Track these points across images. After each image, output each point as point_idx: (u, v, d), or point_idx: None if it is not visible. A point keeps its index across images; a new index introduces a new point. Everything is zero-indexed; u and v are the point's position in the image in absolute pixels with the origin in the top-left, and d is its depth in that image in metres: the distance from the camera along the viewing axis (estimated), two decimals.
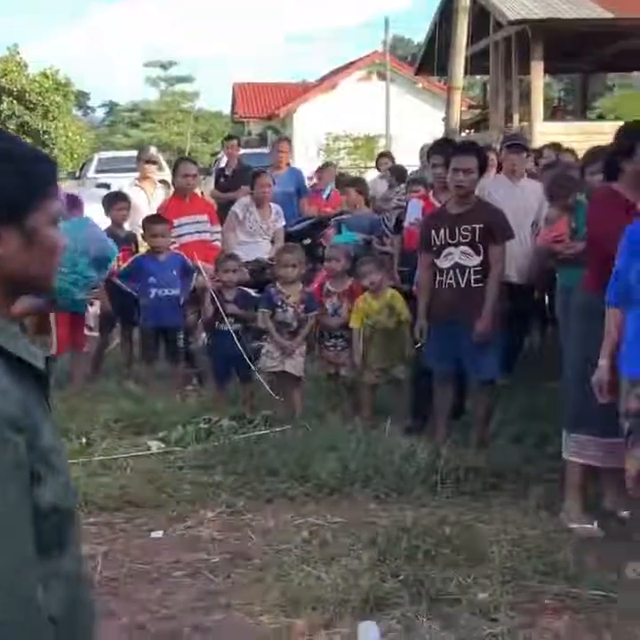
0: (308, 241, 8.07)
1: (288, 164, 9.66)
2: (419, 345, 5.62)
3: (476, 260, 5.28)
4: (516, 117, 18.77)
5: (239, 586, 3.80)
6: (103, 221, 7.49)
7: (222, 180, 10.90)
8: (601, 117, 25.06)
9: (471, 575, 3.68)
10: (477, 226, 5.26)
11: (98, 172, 21.54)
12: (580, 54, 20.10)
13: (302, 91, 40.72)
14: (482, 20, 16.19)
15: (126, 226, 7.69)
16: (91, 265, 3.72)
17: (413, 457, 5.00)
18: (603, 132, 14.77)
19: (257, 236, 7.77)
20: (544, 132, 15.50)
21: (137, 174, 9.23)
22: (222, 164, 11.96)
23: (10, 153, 1.46)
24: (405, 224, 6.50)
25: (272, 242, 7.78)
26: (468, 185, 5.30)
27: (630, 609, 3.48)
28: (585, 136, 12.59)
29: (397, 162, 11.23)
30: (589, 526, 4.25)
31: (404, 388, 6.10)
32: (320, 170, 10.29)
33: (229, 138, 11.80)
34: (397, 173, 10.22)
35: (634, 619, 3.41)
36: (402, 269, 6.77)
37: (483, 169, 5.47)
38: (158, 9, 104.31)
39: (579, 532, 4.21)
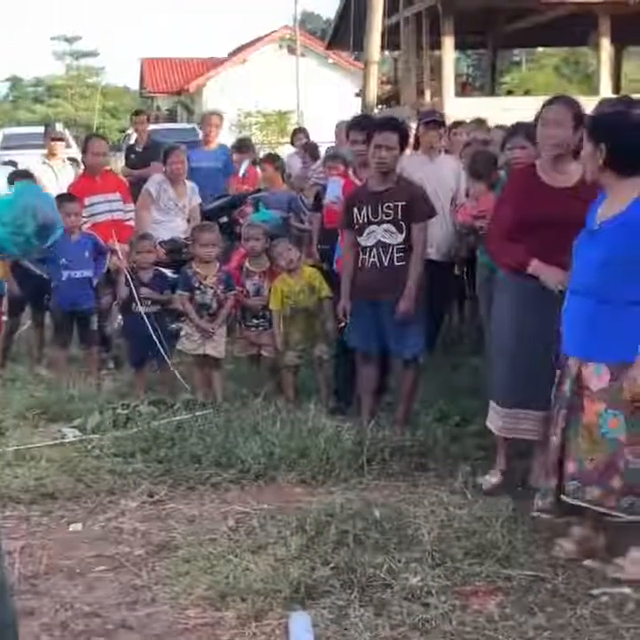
0: (224, 219, 7.90)
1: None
2: (342, 324, 5.54)
3: (400, 237, 5.22)
4: (427, 93, 18.88)
5: (164, 579, 3.67)
6: None
7: (133, 156, 10.62)
8: (510, 93, 25.44)
9: (402, 559, 3.62)
10: (400, 203, 5.20)
11: (3, 148, 20.88)
12: (489, 30, 20.31)
13: (211, 65, 40.14)
14: None
15: None
16: (36, 231, 3.46)
17: (339, 438, 4.94)
18: (513, 108, 14.98)
19: (172, 214, 7.56)
20: (455, 108, 15.60)
21: (43, 152, 8.92)
22: (132, 141, 11.65)
23: None
24: (325, 202, 6.41)
25: (188, 220, 7.59)
26: (391, 162, 5.23)
27: (562, 588, 3.49)
28: (495, 112, 12.67)
29: (311, 137, 11.11)
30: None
31: (328, 367, 6.03)
32: (237, 146, 10.06)
33: (138, 113, 11.46)
34: (310, 150, 10.10)
35: (565, 599, 3.42)
36: (322, 247, 6.69)
37: (403, 146, 5.41)
38: None
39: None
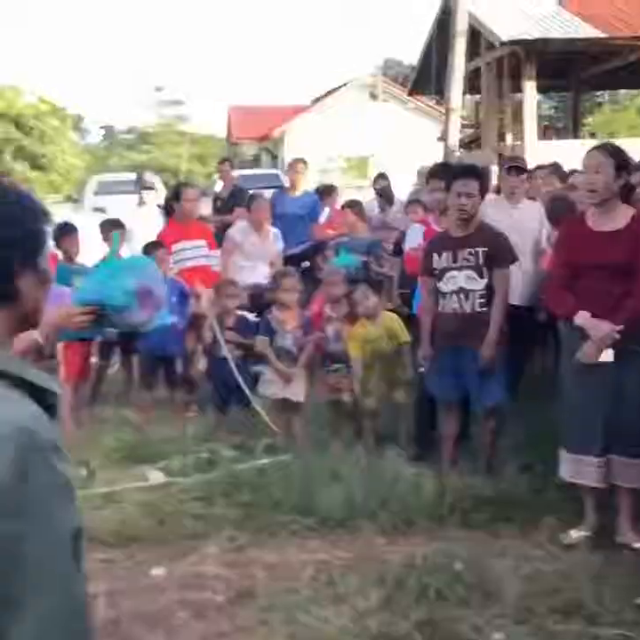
0: (306, 264, 7.99)
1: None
2: (422, 369, 5.52)
3: (481, 283, 5.19)
4: (509, 137, 18.80)
5: (245, 627, 3.67)
6: (101, 247, 7.36)
7: (218, 203, 10.83)
8: (592, 135, 25.14)
9: (485, 615, 3.55)
10: (480, 249, 5.18)
11: (95, 194, 21.50)
12: (571, 73, 20.18)
13: (296, 112, 40.78)
14: (473, 40, 16.20)
15: (123, 252, 7.59)
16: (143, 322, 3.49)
17: (419, 487, 4.89)
18: None
19: (255, 259, 7.68)
20: (537, 152, 15.49)
21: (133, 198, 9.17)
22: (218, 188, 11.89)
23: (30, 201, 1.57)
24: (406, 248, 6.42)
25: (271, 265, 7.69)
26: (471, 209, 5.22)
27: None
28: (577, 154, 12.54)
29: (392, 181, 11.14)
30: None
31: (407, 414, 6.00)
32: (319, 192, 10.16)
33: (222, 161, 11.70)
34: (386, 196, 10.08)
35: None
36: (402, 291, 6.70)
37: (483, 192, 5.41)
38: (154, 35, 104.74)
39: None
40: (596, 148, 4.54)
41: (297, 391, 6.05)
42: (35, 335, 2.61)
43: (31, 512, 1.25)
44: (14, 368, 1.41)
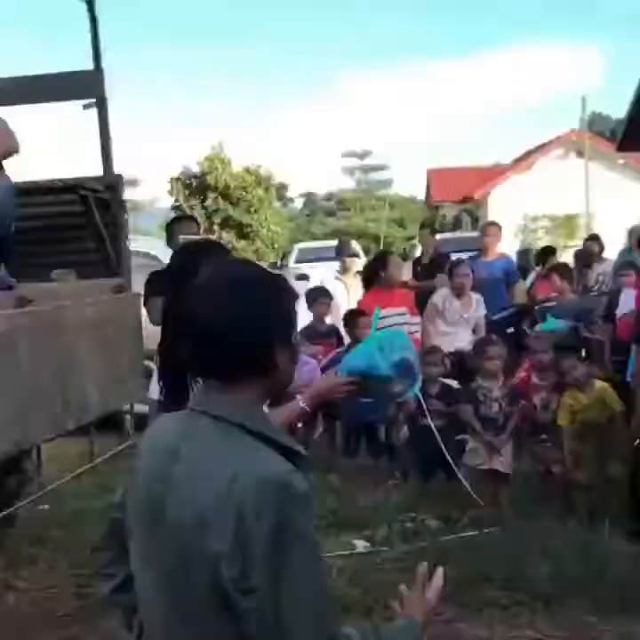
0: (511, 330, 7.88)
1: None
2: (637, 441, 5.27)
3: None
4: None
5: None
6: (306, 314, 7.58)
7: (419, 268, 10.89)
8: None
9: None
10: None
11: (297, 262, 22.25)
12: None
13: (497, 173, 40.63)
14: None
15: (328, 320, 7.78)
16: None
17: (637, 564, 4.64)
18: None
19: (457, 325, 7.66)
20: None
21: (334, 264, 9.40)
22: (418, 253, 11.96)
23: (282, 281, 1.74)
24: (618, 313, 6.21)
25: (473, 331, 7.65)
26: None
27: None
28: None
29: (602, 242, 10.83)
30: None
31: (623, 487, 5.73)
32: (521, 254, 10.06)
33: (422, 227, 11.69)
34: (583, 259, 9.72)
35: None
36: (615, 359, 6.46)
37: None
38: (353, 106, 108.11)
39: None
40: None
41: (504, 461, 5.93)
42: (301, 404, 2.78)
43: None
44: (270, 431, 1.64)
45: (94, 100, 6.58)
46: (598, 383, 5.89)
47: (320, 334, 7.02)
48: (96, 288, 6.15)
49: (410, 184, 77.84)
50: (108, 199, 6.49)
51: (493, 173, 40.66)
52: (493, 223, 9.55)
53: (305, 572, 1.51)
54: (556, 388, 6.01)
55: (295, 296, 1.78)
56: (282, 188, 53.00)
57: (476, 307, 7.77)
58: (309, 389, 2.91)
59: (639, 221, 9.69)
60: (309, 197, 58.72)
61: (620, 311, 6.20)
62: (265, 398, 1.72)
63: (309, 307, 7.69)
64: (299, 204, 61.10)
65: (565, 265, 8.87)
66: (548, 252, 10.16)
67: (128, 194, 7.36)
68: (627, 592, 4.46)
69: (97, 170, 6.65)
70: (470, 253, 10.59)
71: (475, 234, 26.62)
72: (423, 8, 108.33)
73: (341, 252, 9.39)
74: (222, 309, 1.63)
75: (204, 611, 1.54)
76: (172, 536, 1.58)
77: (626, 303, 6.14)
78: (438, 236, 21.81)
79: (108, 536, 1.95)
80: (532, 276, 8.94)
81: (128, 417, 6.96)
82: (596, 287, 8.74)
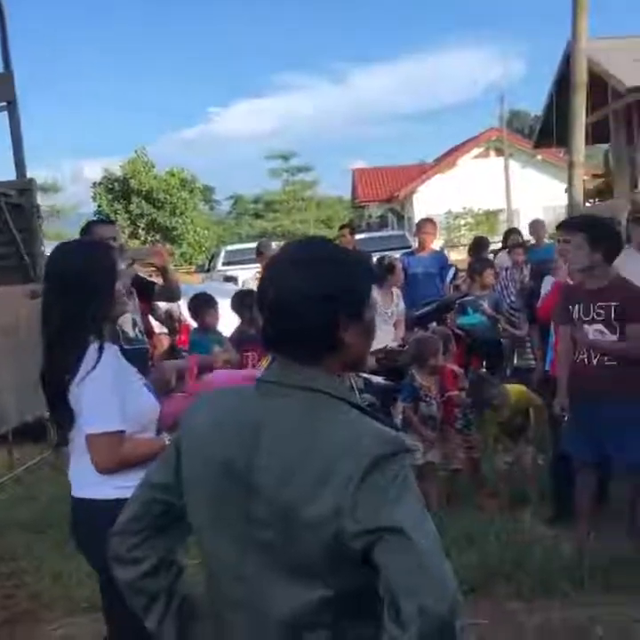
0: (433, 325, 7.96)
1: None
2: (558, 423, 5.39)
3: (612, 338, 5.03)
4: None
5: None
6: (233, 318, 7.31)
7: None
8: None
9: None
10: (613, 304, 5.01)
11: (225, 264, 22.09)
12: None
13: (420, 171, 41.12)
14: (599, 89, 16.00)
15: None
16: None
17: (557, 549, 4.74)
18: None
19: (382, 322, 7.70)
20: None
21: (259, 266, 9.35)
22: None
23: (355, 259, 1.76)
24: (542, 294, 6.31)
25: (396, 325, 7.71)
26: (578, 260, 5.09)
27: None
28: None
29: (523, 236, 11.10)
30: None
31: (543, 474, 5.84)
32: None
33: (342, 227, 11.63)
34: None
35: None
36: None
37: (597, 244, 5.14)
38: (275, 109, 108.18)
39: None
40: None
41: (437, 453, 5.94)
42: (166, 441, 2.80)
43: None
44: (354, 399, 1.70)
45: (5, 104, 6.46)
46: (513, 389, 5.99)
47: (252, 339, 6.80)
48: (11, 294, 6.04)
49: (336, 184, 78.37)
50: (21, 204, 6.36)
51: (417, 172, 41.13)
52: (429, 220, 9.66)
53: (421, 509, 1.57)
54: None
55: (370, 272, 1.86)
56: (208, 190, 52.74)
57: (397, 301, 7.83)
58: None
59: (544, 215, 9.93)
60: (237, 200, 58.50)
61: (540, 300, 6.29)
62: (337, 373, 1.73)
63: (237, 311, 7.37)
64: (226, 206, 60.89)
65: (491, 262, 9.01)
66: (480, 243, 10.37)
67: (50, 199, 7.24)
68: (548, 577, 4.54)
69: (9, 174, 6.52)
70: (397, 252, 10.69)
71: (400, 232, 26.99)
72: (351, 14, 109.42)
73: (262, 254, 9.32)
74: (292, 284, 1.65)
75: (316, 568, 1.58)
76: (272, 503, 1.60)
77: (544, 287, 6.25)
78: (364, 235, 21.96)
79: (135, 519, 1.87)
80: (452, 271, 9.06)
81: (49, 425, 6.82)
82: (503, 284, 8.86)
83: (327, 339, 1.67)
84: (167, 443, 2.77)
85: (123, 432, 2.78)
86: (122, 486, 2.70)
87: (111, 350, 2.83)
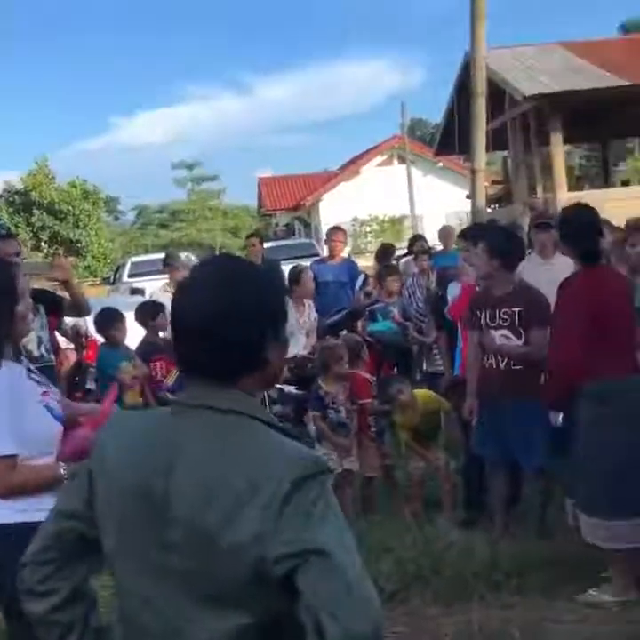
0: (344, 332, 7.99)
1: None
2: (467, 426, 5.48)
3: (517, 343, 5.14)
4: (539, 189, 18.82)
5: None
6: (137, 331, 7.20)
7: None
8: (625, 183, 25.05)
9: None
10: (517, 309, 5.13)
11: (131, 276, 21.71)
12: (598, 122, 20.22)
13: (325, 179, 41.35)
14: (497, 97, 16.34)
15: (161, 334, 7.54)
16: None
17: (472, 553, 4.79)
18: (628, 199, 14.71)
19: (294, 331, 7.68)
20: (568, 203, 15.45)
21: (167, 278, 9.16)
22: None
23: (269, 276, 1.76)
24: (449, 300, 6.42)
25: (307, 334, 7.71)
26: (481, 268, 5.25)
27: None
28: (610, 203, 12.38)
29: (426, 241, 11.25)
30: None
31: (454, 477, 5.92)
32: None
33: (250, 235, 11.51)
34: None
35: None
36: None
37: (494, 252, 5.18)
38: (179, 118, 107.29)
39: None
40: None
41: (354, 461, 5.95)
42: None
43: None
44: (274, 420, 1.69)
45: None
46: (419, 394, 6.06)
47: (159, 349, 6.72)
48: None
49: (243, 194, 78.12)
50: None
51: (323, 180, 41.34)
52: (339, 228, 9.66)
53: (344, 529, 1.54)
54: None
55: (285, 291, 1.90)
56: (112, 200, 51.88)
57: (309, 311, 7.84)
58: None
59: (447, 221, 10.14)
60: (142, 210, 57.64)
61: (450, 303, 6.38)
62: (257, 392, 1.73)
63: (141, 322, 7.18)
64: (131, 217, 59.93)
65: (397, 268, 9.11)
66: (386, 250, 10.48)
67: None
68: (464, 581, 4.59)
69: None
70: (305, 259, 10.66)
71: (307, 240, 27.08)
72: (252, 24, 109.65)
73: (169, 265, 9.10)
74: (212, 307, 1.62)
75: (235, 595, 1.54)
76: (188, 528, 1.55)
77: (450, 293, 6.37)
78: (271, 244, 21.88)
79: (45, 549, 1.78)
80: (361, 278, 9.10)
81: None
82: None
83: (251, 359, 1.65)
84: (62, 472, 2.72)
85: (14, 457, 2.69)
86: (22, 510, 2.63)
87: (10, 371, 2.74)
